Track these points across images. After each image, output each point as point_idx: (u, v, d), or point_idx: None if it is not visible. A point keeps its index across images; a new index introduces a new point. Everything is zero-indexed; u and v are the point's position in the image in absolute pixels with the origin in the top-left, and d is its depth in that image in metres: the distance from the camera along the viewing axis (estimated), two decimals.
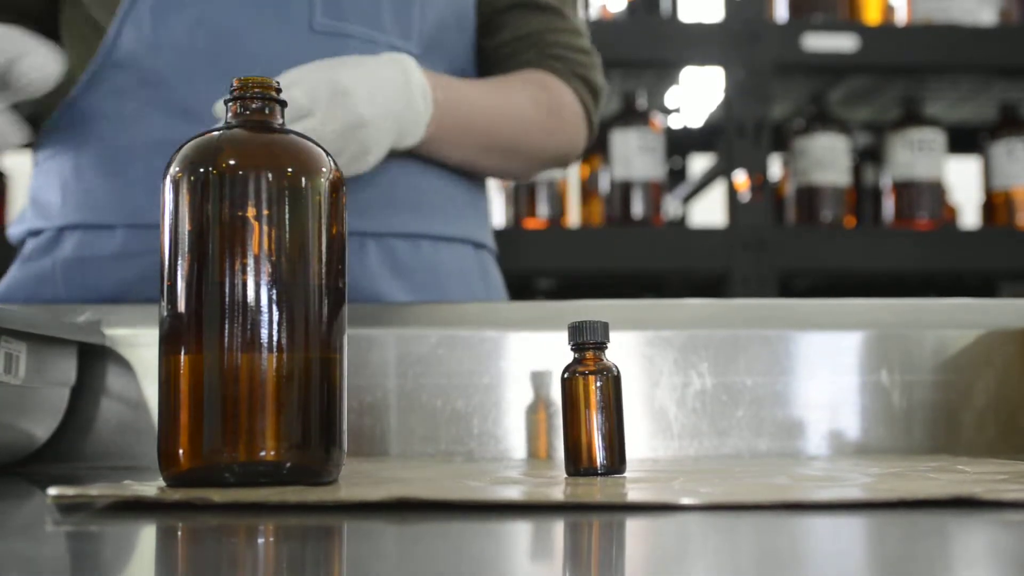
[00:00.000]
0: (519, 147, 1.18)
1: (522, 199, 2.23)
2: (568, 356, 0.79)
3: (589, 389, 0.78)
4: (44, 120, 1.14)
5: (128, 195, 1.09)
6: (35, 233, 1.15)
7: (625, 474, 0.78)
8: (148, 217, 1.06)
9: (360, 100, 0.98)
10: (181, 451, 0.66)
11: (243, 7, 1.09)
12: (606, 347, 0.79)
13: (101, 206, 1.10)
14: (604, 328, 0.79)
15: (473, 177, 1.22)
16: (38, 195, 1.15)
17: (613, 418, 0.78)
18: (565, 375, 0.79)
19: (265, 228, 0.67)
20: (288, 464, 0.67)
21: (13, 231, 1.18)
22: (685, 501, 0.60)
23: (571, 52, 1.23)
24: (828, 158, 2.24)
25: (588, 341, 0.79)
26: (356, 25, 1.11)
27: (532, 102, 1.18)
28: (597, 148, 2.34)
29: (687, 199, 2.64)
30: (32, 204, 1.16)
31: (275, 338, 0.67)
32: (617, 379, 0.78)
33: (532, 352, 1.00)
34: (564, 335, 0.80)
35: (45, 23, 1.15)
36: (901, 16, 2.32)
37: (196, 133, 0.71)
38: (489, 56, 1.23)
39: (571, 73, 1.23)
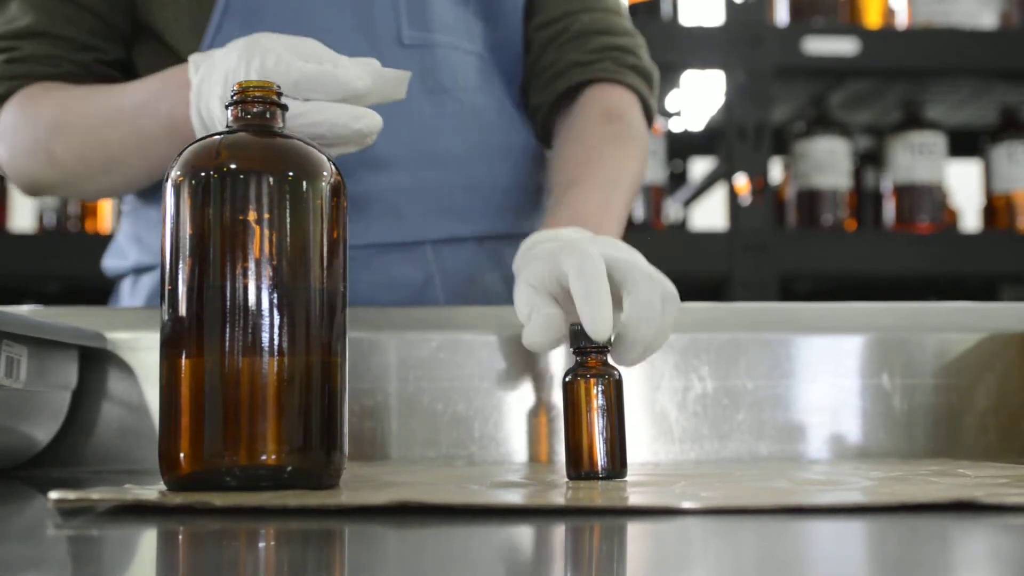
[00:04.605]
0: None
1: None
2: (569, 359, 0.79)
3: (591, 392, 0.78)
4: None
5: None
6: (145, 269, 1.13)
7: (626, 478, 0.78)
8: None
9: None
10: (182, 455, 0.66)
11: (332, 27, 1.07)
12: (608, 351, 0.79)
13: None
14: None
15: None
16: (144, 235, 1.13)
17: (614, 422, 0.78)
18: (567, 378, 0.79)
19: (266, 232, 0.67)
20: (289, 468, 0.67)
21: (112, 264, 1.17)
22: (686, 505, 0.60)
23: (618, 38, 1.16)
24: (829, 161, 2.24)
25: (590, 345, 0.79)
26: (439, 35, 1.11)
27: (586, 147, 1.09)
28: None
29: (688, 202, 2.64)
30: (138, 242, 1.14)
31: (276, 342, 0.67)
32: (619, 383, 0.78)
33: (533, 356, 1.00)
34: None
35: (123, 61, 1.11)
36: (902, 19, 2.32)
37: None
38: (532, 40, 1.17)
39: (624, 68, 1.15)
